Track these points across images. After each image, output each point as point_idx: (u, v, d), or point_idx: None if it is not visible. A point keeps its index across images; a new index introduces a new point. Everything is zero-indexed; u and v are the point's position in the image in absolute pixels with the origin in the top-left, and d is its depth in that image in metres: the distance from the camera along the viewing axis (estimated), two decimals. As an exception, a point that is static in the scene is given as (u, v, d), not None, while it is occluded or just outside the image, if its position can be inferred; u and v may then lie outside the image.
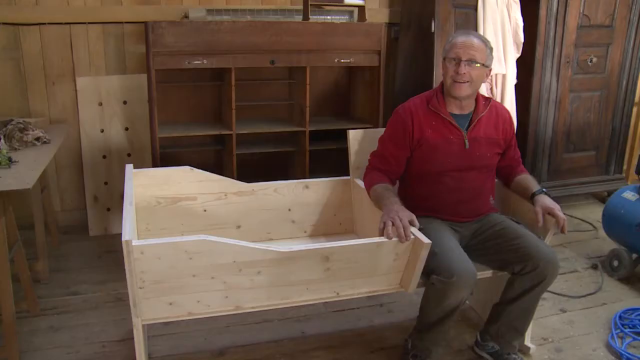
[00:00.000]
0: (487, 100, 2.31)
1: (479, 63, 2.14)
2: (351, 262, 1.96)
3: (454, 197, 2.24)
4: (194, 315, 1.93)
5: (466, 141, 2.22)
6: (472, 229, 2.27)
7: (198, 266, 1.81)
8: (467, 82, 2.14)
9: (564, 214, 2.15)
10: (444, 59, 2.20)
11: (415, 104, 2.27)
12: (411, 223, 1.97)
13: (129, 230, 1.77)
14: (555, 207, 2.13)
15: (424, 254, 1.94)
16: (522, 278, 2.10)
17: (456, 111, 2.24)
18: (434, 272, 1.98)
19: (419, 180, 2.28)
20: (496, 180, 2.41)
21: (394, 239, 1.94)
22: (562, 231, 2.13)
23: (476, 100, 2.27)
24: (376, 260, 1.99)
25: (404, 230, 1.93)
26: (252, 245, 1.85)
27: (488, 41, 2.22)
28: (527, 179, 2.33)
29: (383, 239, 1.94)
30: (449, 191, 2.24)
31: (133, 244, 1.71)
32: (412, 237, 1.94)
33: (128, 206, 1.99)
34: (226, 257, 1.82)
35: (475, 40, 2.15)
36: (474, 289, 2.64)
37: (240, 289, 1.90)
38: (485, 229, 2.24)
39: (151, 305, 1.85)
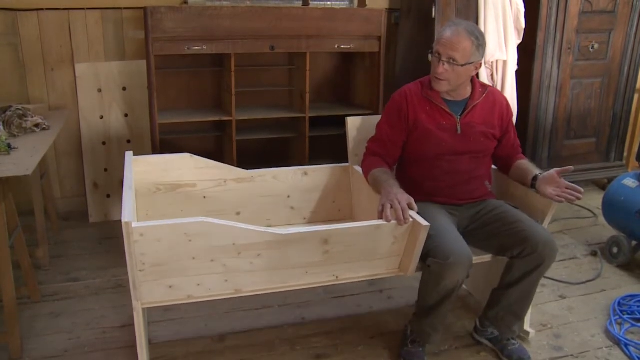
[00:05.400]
0: (484, 87, 2.32)
1: (460, 64, 2.14)
2: (350, 245, 1.96)
3: (449, 179, 2.27)
4: (194, 299, 1.93)
5: (458, 127, 2.24)
6: (469, 214, 2.28)
7: (197, 249, 1.81)
8: (445, 80, 2.18)
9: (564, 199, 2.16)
10: (431, 50, 2.21)
11: (410, 89, 2.31)
12: (410, 206, 1.98)
13: (129, 212, 1.78)
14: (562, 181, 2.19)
15: (422, 237, 1.95)
16: (521, 261, 2.11)
17: (449, 97, 2.26)
18: (430, 254, 2.00)
19: (415, 165, 2.31)
20: (495, 167, 2.43)
21: (393, 221, 1.94)
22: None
23: (473, 86, 2.28)
24: (375, 243, 1.99)
25: (403, 213, 1.94)
26: (251, 227, 1.85)
27: (479, 34, 2.18)
28: (527, 164, 2.33)
29: (382, 221, 1.95)
30: (444, 174, 2.26)
31: (133, 225, 1.71)
32: (411, 220, 1.95)
33: (128, 190, 1.99)
34: (225, 240, 1.83)
35: (462, 37, 2.13)
36: (472, 275, 2.65)
37: (239, 272, 1.91)
38: (484, 214, 2.26)
39: (151, 288, 1.85)
